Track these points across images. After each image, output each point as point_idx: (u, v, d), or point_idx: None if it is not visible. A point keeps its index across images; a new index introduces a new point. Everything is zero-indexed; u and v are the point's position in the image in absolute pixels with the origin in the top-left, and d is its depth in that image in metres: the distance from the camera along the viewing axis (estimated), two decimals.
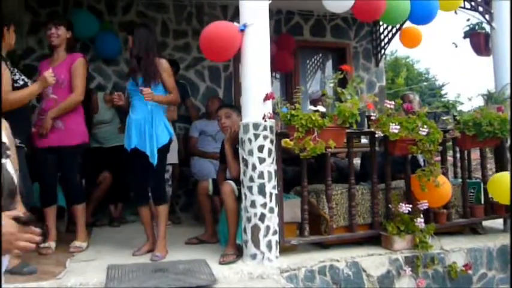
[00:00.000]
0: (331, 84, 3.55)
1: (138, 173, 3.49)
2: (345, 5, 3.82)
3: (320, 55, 6.76)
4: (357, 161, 4.73)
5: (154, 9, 5.79)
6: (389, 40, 6.36)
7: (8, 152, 1.45)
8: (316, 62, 6.79)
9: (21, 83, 2.97)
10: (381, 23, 6.30)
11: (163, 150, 3.43)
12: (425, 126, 3.47)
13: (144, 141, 3.35)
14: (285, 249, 3.31)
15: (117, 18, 5.68)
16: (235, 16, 5.81)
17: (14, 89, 2.98)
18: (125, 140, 3.50)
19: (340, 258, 3.28)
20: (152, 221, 3.57)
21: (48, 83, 3.25)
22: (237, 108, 4.14)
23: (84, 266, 3.14)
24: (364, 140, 4.49)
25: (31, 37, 5.48)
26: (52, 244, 3.48)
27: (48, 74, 3.24)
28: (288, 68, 6.00)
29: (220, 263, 3.16)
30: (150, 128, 3.36)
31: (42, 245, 3.39)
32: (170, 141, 3.49)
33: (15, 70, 2.99)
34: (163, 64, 3.46)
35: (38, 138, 3.49)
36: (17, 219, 1.25)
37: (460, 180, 4.09)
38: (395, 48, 23.03)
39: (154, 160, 3.33)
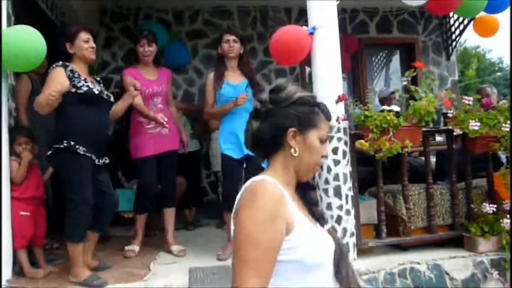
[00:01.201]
0: (404, 82, 3.46)
1: (235, 180, 3.55)
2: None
3: (386, 52, 6.62)
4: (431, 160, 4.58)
5: (220, 17, 5.94)
6: (462, 32, 6.11)
7: None
8: (382, 59, 6.66)
9: (85, 89, 3.03)
10: (451, 14, 6.06)
11: None
12: (508, 122, 3.30)
13: None
14: (362, 251, 3.28)
15: (184, 28, 5.88)
16: (299, 19, 5.89)
17: (76, 94, 3.02)
18: (226, 147, 3.53)
19: (421, 260, 3.20)
20: None
21: (50, 99, 2.92)
22: None
23: (167, 269, 3.27)
24: (438, 138, 4.35)
25: (105, 51, 5.81)
26: (136, 248, 3.65)
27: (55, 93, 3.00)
28: (344, 69, 5.89)
29: None
30: None
31: (126, 248, 3.58)
32: None
33: (82, 77, 3.06)
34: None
35: (145, 148, 3.64)
36: None
37: None
38: (463, 38, 22.03)
39: (265, 164, 3.40)
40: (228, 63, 3.62)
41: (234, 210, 1.33)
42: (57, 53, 3.18)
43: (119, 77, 5.66)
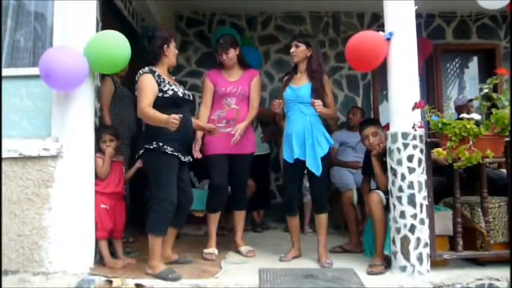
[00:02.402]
0: (486, 90, 3.31)
1: (293, 184, 3.61)
2: (501, 2, 3.56)
3: (462, 58, 6.35)
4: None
5: (292, 22, 5.98)
6: None
7: None
8: (457, 65, 6.40)
9: (171, 92, 3.18)
10: None
11: (324, 159, 3.50)
12: None
13: (305, 152, 3.45)
14: (436, 263, 3.17)
15: (256, 33, 5.98)
16: (372, 24, 5.80)
17: (163, 99, 3.16)
18: (284, 150, 3.59)
19: (501, 277, 3.03)
20: (299, 229, 3.68)
21: (170, 127, 3.01)
22: (377, 120, 4.09)
23: (237, 268, 3.34)
24: None
25: (180, 55, 6.00)
26: (215, 251, 3.68)
27: (173, 120, 2.99)
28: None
29: (368, 273, 3.14)
30: (311, 138, 3.46)
31: (205, 251, 3.65)
32: (329, 150, 3.58)
33: (166, 81, 3.21)
34: (327, 79, 3.64)
35: (215, 146, 3.71)
36: None
37: None
38: None
39: (318, 170, 3.44)
40: (298, 68, 3.66)
41: None
42: (146, 52, 3.31)
43: (193, 80, 5.93)
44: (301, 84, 3.58)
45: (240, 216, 3.87)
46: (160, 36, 3.29)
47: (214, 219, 3.81)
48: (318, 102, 3.46)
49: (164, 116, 3.02)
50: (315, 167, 3.43)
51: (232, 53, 3.81)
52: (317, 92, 3.53)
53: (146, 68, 3.23)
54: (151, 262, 3.11)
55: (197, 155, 3.71)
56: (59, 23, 3.36)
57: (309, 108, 3.53)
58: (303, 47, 3.58)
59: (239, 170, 3.79)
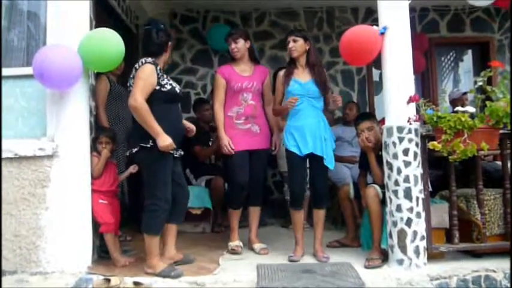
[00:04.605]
0: (480, 82, 3.32)
1: (300, 178, 3.58)
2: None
3: (457, 52, 6.37)
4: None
5: (286, 18, 5.98)
6: None
7: None
8: (452, 59, 6.42)
9: (169, 87, 3.17)
10: None
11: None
12: None
13: (320, 146, 3.46)
14: (433, 256, 3.19)
15: (251, 29, 5.96)
16: (366, 18, 5.81)
17: (160, 92, 3.13)
18: (295, 144, 3.50)
19: (497, 268, 3.06)
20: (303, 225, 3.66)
21: (166, 149, 3.06)
22: (373, 115, 4.09)
23: (235, 264, 3.35)
24: None
25: (175, 52, 5.99)
26: (240, 243, 3.72)
27: (171, 147, 3.08)
28: (420, 68, 5.74)
29: (366, 267, 3.15)
30: (324, 131, 3.49)
31: (232, 244, 3.69)
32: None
33: (164, 76, 3.20)
34: (325, 73, 3.65)
35: (236, 143, 3.70)
36: None
37: None
38: None
39: (331, 163, 3.49)
40: (297, 62, 3.63)
41: None
42: (151, 42, 3.24)
43: (188, 78, 5.92)
44: (307, 79, 3.56)
45: (255, 213, 3.84)
46: (166, 31, 3.30)
47: (237, 214, 3.81)
48: (339, 97, 3.60)
49: (158, 128, 3.01)
50: (328, 161, 3.46)
51: (242, 44, 3.78)
52: (323, 86, 3.55)
53: (149, 59, 3.15)
54: (150, 261, 3.10)
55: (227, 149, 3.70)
56: (52, 21, 3.35)
57: (319, 103, 3.56)
58: (301, 41, 3.56)
59: (257, 166, 3.79)
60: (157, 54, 3.23)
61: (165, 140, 3.02)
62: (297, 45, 3.56)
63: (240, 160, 3.71)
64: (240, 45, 3.78)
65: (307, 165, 3.65)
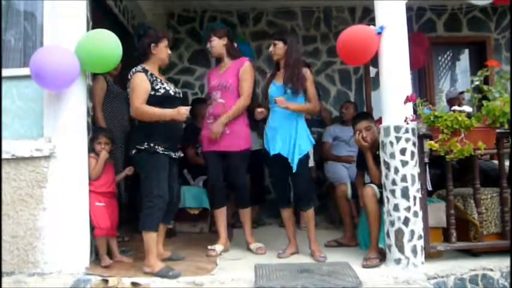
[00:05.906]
0: (477, 82, 3.33)
1: (279, 177, 3.62)
2: None
3: (453, 51, 6.38)
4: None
5: (283, 17, 5.99)
6: None
7: None
8: (449, 58, 6.43)
9: (162, 91, 3.19)
10: None
11: (307, 155, 3.52)
12: None
13: (288, 148, 3.45)
14: (430, 255, 3.20)
15: (248, 29, 5.98)
16: (363, 18, 5.81)
17: (154, 97, 3.18)
18: (267, 143, 3.58)
19: (494, 267, 3.07)
20: (294, 224, 3.68)
21: (180, 118, 3.21)
22: (370, 115, 4.09)
23: (233, 264, 3.36)
24: None
25: (172, 52, 5.97)
26: (219, 247, 3.64)
27: (185, 111, 3.19)
28: (419, 66, 5.73)
29: (364, 267, 3.16)
30: (295, 135, 3.46)
31: (210, 247, 3.63)
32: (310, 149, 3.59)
33: (158, 79, 3.22)
34: (307, 73, 3.56)
35: (206, 144, 3.71)
36: None
37: None
38: None
39: (294, 167, 3.43)
40: (280, 65, 3.64)
41: None
42: (135, 50, 3.34)
43: (185, 78, 5.92)
44: (282, 81, 3.54)
45: (244, 215, 3.83)
46: (151, 35, 3.31)
47: (220, 214, 3.79)
48: (280, 99, 3.40)
49: (168, 110, 3.13)
50: (293, 163, 3.43)
51: (216, 42, 3.74)
52: (296, 87, 3.45)
53: (139, 67, 3.24)
54: (148, 261, 3.11)
55: None
56: (49, 22, 3.34)
57: (295, 103, 3.54)
58: (280, 44, 3.56)
59: (232, 168, 3.68)
60: (143, 59, 3.30)
61: (178, 113, 3.15)
62: (277, 49, 3.58)
63: (209, 161, 3.73)
64: (214, 44, 3.75)
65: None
